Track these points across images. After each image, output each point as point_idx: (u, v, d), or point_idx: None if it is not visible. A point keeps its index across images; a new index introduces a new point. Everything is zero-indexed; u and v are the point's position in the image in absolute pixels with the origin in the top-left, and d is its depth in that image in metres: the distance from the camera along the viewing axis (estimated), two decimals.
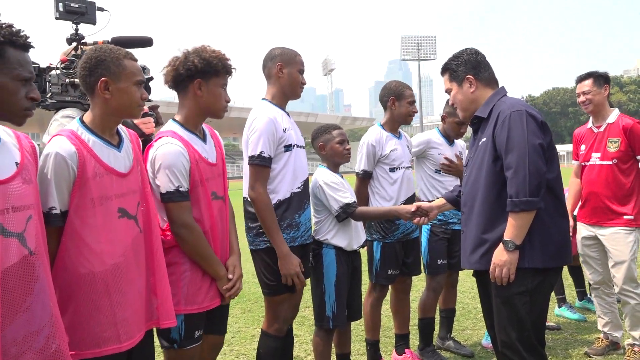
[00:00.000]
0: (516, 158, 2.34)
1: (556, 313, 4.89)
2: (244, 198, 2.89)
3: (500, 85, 2.67)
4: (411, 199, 3.68)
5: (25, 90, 1.63)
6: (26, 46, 1.64)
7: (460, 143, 4.21)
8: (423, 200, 3.87)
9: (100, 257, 1.94)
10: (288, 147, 2.84)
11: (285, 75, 2.91)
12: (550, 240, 2.40)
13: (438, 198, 3.79)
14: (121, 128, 2.17)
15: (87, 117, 2.06)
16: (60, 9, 2.67)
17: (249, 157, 2.79)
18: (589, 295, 5.09)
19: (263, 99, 2.99)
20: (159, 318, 2.17)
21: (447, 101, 4.04)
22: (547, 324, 4.50)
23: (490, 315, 2.62)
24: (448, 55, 2.76)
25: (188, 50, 2.40)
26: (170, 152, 2.28)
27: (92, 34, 2.75)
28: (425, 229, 3.93)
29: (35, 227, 1.69)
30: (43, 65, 2.63)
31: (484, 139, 2.53)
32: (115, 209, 2.00)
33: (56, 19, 2.69)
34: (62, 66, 2.60)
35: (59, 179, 1.89)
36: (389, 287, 3.84)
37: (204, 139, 2.47)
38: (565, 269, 4.86)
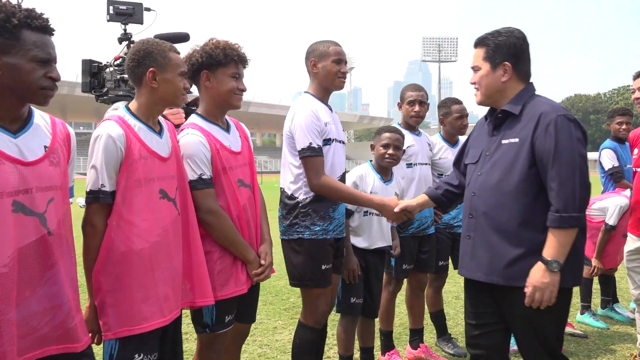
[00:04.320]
0: (565, 169, 2.15)
1: (578, 319, 4.87)
2: (280, 188, 2.95)
3: (530, 82, 2.43)
4: None
5: (43, 70, 1.69)
6: (45, 29, 1.70)
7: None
8: None
9: (144, 235, 2.06)
10: (327, 141, 2.87)
11: (320, 69, 2.93)
12: (576, 259, 2.25)
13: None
14: (160, 118, 2.29)
15: (133, 105, 2.19)
16: (111, 11, 2.87)
17: (299, 151, 2.81)
18: (611, 305, 5.07)
19: (306, 92, 3.04)
20: (195, 297, 2.27)
21: (440, 104, 4.04)
22: (573, 331, 4.51)
23: (485, 331, 2.42)
24: (469, 57, 2.56)
25: (197, 46, 2.49)
26: (190, 142, 2.37)
27: (139, 32, 2.94)
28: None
29: (57, 209, 1.77)
30: (102, 64, 2.83)
31: (514, 140, 2.29)
32: (157, 189, 2.13)
33: (107, 21, 2.89)
34: (115, 64, 2.78)
35: (108, 159, 2.03)
36: (405, 283, 3.96)
37: (227, 129, 2.55)
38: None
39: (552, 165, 2.18)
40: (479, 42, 2.43)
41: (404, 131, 3.79)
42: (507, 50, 2.34)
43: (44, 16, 1.71)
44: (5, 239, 1.63)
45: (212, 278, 2.38)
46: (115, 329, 2.02)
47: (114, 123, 2.09)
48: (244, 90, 2.52)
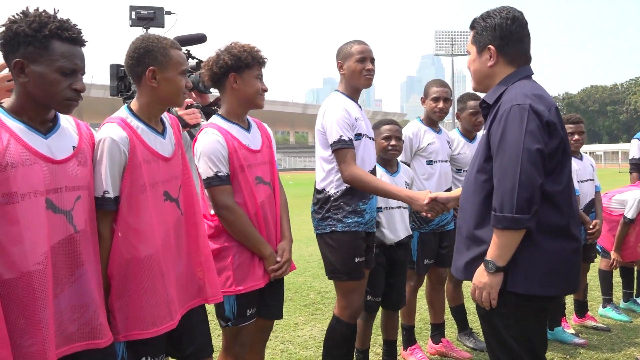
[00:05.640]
0: (506, 164, 1.95)
1: (600, 313, 4.84)
2: (314, 187, 3.02)
3: (527, 64, 2.20)
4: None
5: (68, 81, 1.72)
6: (75, 40, 1.73)
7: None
8: None
9: (149, 239, 2.03)
10: (358, 136, 2.95)
11: (345, 70, 3.03)
12: (539, 264, 2.00)
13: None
14: (163, 114, 2.24)
15: (134, 105, 2.13)
16: (133, 17, 2.95)
17: (331, 145, 2.90)
18: (634, 297, 5.04)
19: (336, 90, 3.13)
20: (206, 295, 2.27)
21: (458, 99, 4.11)
22: (596, 324, 4.49)
23: None
24: None
25: (220, 50, 2.55)
26: (208, 140, 2.45)
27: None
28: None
29: (83, 208, 1.82)
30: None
31: (484, 131, 2.18)
32: (162, 192, 2.10)
33: (130, 26, 2.96)
34: None
35: (112, 162, 1.96)
36: (425, 278, 3.97)
37: (247, 128, 2.61)
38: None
39: (495, 159, 2.01)
40: (471, 25, 2.27)
41: (426, 128, 3.83)
42: (492, 33, 2.15)
43: (76, 27, 1.75)
44: (39, 236, 1.68)
45: (230, 273, 2.44)
46: (124, 332, 2.00)
47: (117, 126, 2.01)
48: (266, 90, 2.60)
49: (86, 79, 1.84)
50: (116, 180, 1.98)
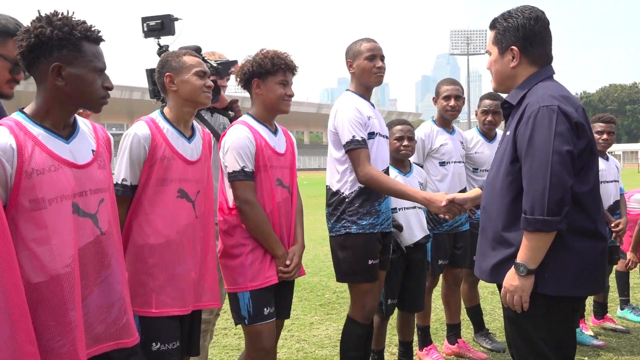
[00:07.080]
0: (536, 166, 1.94)
1: (619, 315, 4.79)
2: (326, 186, 3.03)
3: (548, 64, 2.19)
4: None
5: (100, 80, 1.79)
6: (98, 40, 1.81)
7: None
8: None
9: (158, 230, 2.22)
10: (371, 135, 2.94)
11: (355, 68, 3.02)
12: (569, 265, 2.00)
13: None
14: (197, 127, 2.46)
15: (166, 109, 2.39)
16: (145, 29, 2.99)
17: (344, 145, 2.88)
18: None
19: (347, 90, 3.11)
20: (208, 300, 2.39)
21: (480, 98, 4.07)
22: (615, 326, 4.45)
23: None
24: None
25: (250, 57, 2.67)
26: (238, 136, 2.55)
27: (172, 42, 3.04)
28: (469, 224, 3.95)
29: (106, 210, 1.87)
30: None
31: (508, 132, 2.15)
32: (176, 189, 2.27)
33: (144, 37, 3.01)
34: None
35: (132, 155, 2.23)
36: (440, 279, 3.97)
37: (274, 132, 2.71)
38: (634, 270, 4.75)
39: (524, 161, 2.01)
40: (491, 25, 2.26)
41: (438, 129, 3.82)
42: (515, 33, 2.13)
43: (96, 28, 1.81)
44: (67, 239, 1.72)
45: (244, 270, 2.52)
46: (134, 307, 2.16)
47: (144, 124, 2.28)
48: (291, 96, 2.66)
49: None
50: (135, 171, 2.23)
